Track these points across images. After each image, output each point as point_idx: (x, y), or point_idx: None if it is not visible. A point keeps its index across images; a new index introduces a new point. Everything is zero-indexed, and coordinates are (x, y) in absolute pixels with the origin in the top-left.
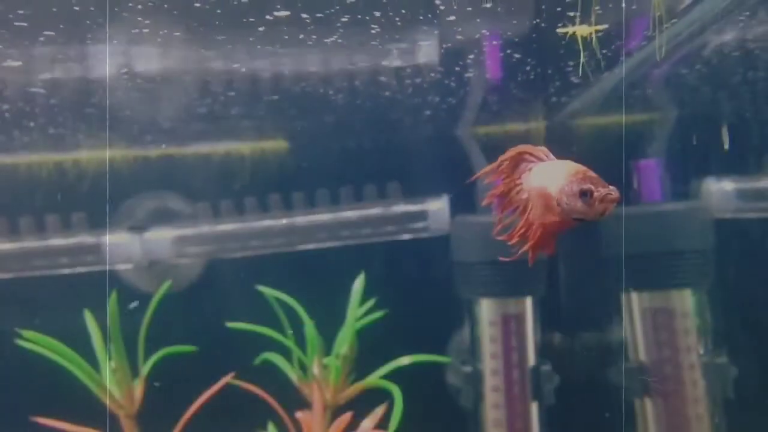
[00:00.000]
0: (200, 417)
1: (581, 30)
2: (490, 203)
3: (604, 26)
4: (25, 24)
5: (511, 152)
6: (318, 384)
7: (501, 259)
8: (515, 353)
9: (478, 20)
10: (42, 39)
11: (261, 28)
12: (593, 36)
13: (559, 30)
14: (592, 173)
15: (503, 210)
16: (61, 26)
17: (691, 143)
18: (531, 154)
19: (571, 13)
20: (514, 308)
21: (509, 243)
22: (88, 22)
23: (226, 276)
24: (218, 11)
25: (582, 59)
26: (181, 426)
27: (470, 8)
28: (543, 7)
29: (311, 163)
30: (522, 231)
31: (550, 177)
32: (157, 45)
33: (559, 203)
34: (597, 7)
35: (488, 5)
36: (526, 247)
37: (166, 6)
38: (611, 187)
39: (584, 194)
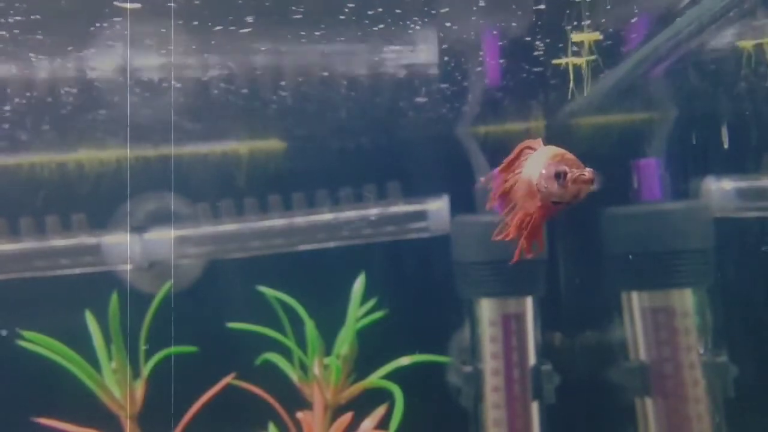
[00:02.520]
0: (201, 417)
1: (574, 60)
2: (493, 205)
3: (595, 57)
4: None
5: (515, 150)
6: (319, 384)
7: (511, 262)
8: (516, 353)
9: (478, 19)
10: (43, 38)
11: (260, 28)
12: (585, 65)
13: (554, 62)
14: (569, 155)
15: (505, 209)
16: (63, 26)
17: (690, 142)
18: (529, 147)
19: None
20: (515, 308)
21: (508, 239)
22: (95, 21)
23: (226, 276)
24: (216, 10)
25: (572, 86)
26: (182, 426)
27: (469, 7)
28: (542, 6)
29: (311, 163)
30: (517, 223)
31: (534, 164)
32: (154, 45)
33: (539, 188)
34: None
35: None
36: (521, 240)
37: (162, 5)
38: (587, 169)
39: (558, 176)
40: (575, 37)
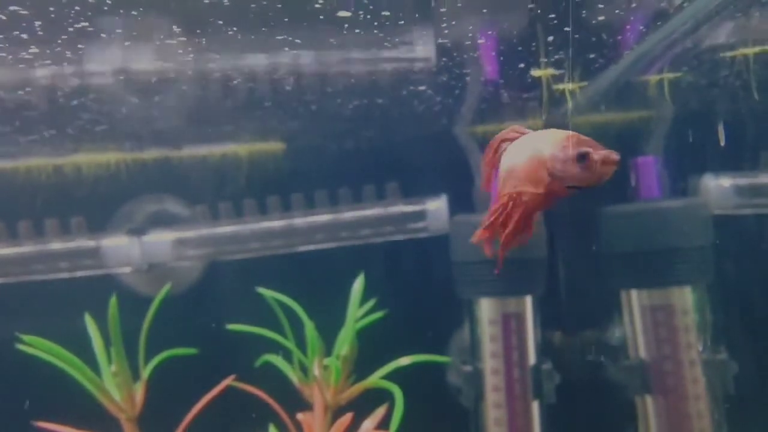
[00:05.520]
0: (201, 419)
1: (570, 86)
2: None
3: (586, 83)
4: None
5: (493, 142)
6: (319, 385)
7: (496, 271)
8: (516, 352)
9: (475, 18)
10: (39, 40)
11: (258, 29)
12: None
13: (555, 87)
14: (584, 137)
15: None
16: (61, 26)
17: (688, 140)
18: (506, 139)
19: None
20: (514, 307)
21: (489, 235)
22: (88, 24)
23: (225, 278)
24: (215, 12)
25: (570, 107)
26: (183, 429)
27: (467, 7)
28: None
29: (310, 164)
30: (500, 218)
31: (534, 148)
32: (153, 46)
33: (552, 172)
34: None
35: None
36: (505, 235)
37: (162, 6)
38: (612, 151)
39: (582, 158)
40: (534, 72)
